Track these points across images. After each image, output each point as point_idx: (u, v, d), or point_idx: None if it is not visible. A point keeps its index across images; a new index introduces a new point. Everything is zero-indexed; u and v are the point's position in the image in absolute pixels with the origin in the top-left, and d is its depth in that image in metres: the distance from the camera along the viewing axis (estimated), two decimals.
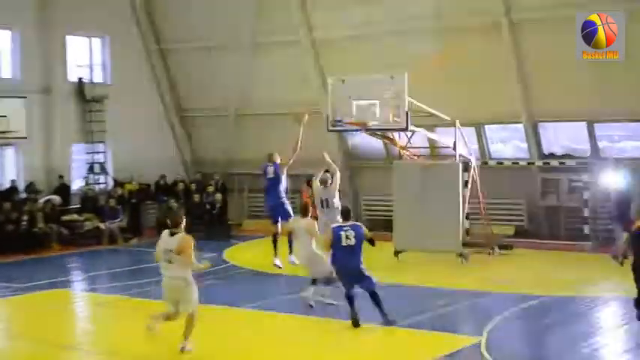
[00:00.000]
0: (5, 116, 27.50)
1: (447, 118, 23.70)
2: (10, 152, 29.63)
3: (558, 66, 25.26)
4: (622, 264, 16.47)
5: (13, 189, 28.17)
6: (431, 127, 24.93)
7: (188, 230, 24.70)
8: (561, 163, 26.11)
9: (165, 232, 13.78)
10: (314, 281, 16.69)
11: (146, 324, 14.08)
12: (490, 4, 25.60)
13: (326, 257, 16.28)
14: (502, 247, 23.70)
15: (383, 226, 25.26)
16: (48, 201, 27.70)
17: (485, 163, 26.52)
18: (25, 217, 26.53)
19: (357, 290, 15.44)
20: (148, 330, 14.16)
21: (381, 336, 15.07)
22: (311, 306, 16.51)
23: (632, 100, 24.68)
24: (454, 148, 23.76)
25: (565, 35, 24.16)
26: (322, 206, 20.75)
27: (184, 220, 14.04)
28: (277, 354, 14.00)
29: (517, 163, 26.85)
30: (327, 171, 22.16)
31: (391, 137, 24.38)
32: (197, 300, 13.56)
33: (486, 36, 26.10)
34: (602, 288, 18.71)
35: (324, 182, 20.96)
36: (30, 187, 28.79)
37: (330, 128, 23.88)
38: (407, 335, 14.72)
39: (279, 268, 21.42)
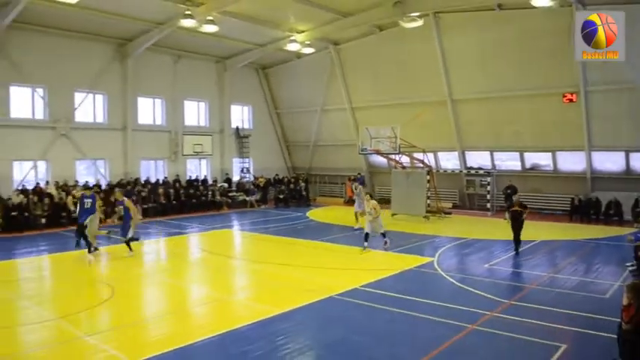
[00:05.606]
0: (201, 144, 29.36)
1: (420, 147, 24.75)
2: (204, 162, 30.55)
3: (479, 124, 25.45)
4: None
5: (205, 180, 29.07)
6: (411, 152, 25.09)
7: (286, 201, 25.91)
8: (476, 172, 26.13)
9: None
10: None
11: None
12: (441, 90, 25.52)
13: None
14: (446, 213, 24.12)
15: (386, 201, 24.79)
16: (221, 186, 28.89)
17: (438, 171, 26.55)
18: (210, 193, 27.54)
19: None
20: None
21: (381, 256, 15.00)
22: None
23: (511, 141, 24.99)
24: (422, 163, 24.41)
25: (483, 107, 24.85)
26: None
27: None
28: (329, 261, 14.40)
29: (454, 171, 26.86)
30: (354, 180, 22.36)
31: (391, 157, 24.94)
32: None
33: (438, 106, 26.05)
34: (495, 235, 18.33)
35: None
36: (214, 180, 29.64)
37: (360, 153, 25.86)
38: (395, 256, 14.88)
39: None
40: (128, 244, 15.25)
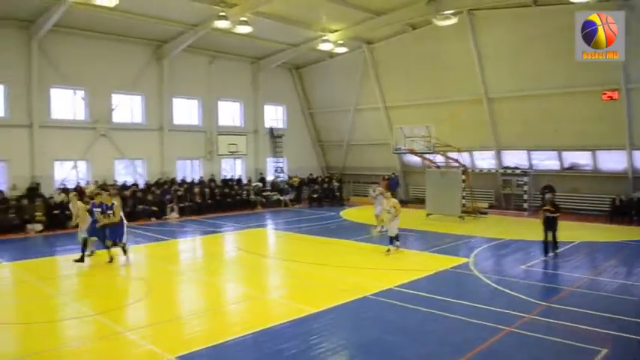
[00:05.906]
0: (236, 144, 29.79)
1: (454, 146, 24.74)
2: (238, 162, 31.24)
3: (516, 122, 25.35)
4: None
5: (239, 179, 29.84)
6: (445, 152, 25.05)
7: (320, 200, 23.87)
8: (513, 171, 26.11)
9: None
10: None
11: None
12: (476, 88, 25.57)
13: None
14: (481, 213, 24.21)
15: (421, 201, 25.77)
16: (256, 185, 29.48)
17: (473, 170, 26.61)
18: (245, 192, 28.18)
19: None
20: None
21: (415, 256, 15.26)
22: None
23: (549, 140, 24.89)
24: (457, 162, 24.55)
25: (520, 105, 24.68)
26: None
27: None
28: (363, 261, 14.64)
29: (490, 171, 26.85)
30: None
31: (425, 157, 25.07)
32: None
33: (474, 105, 26.14)
34: (532, 235, 17.81)
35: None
36: (248, 179, 30.25)
37: (394, 152, 26.27)
38: (430, 256, 15.09)
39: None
40: (120, 249, 14.15)
